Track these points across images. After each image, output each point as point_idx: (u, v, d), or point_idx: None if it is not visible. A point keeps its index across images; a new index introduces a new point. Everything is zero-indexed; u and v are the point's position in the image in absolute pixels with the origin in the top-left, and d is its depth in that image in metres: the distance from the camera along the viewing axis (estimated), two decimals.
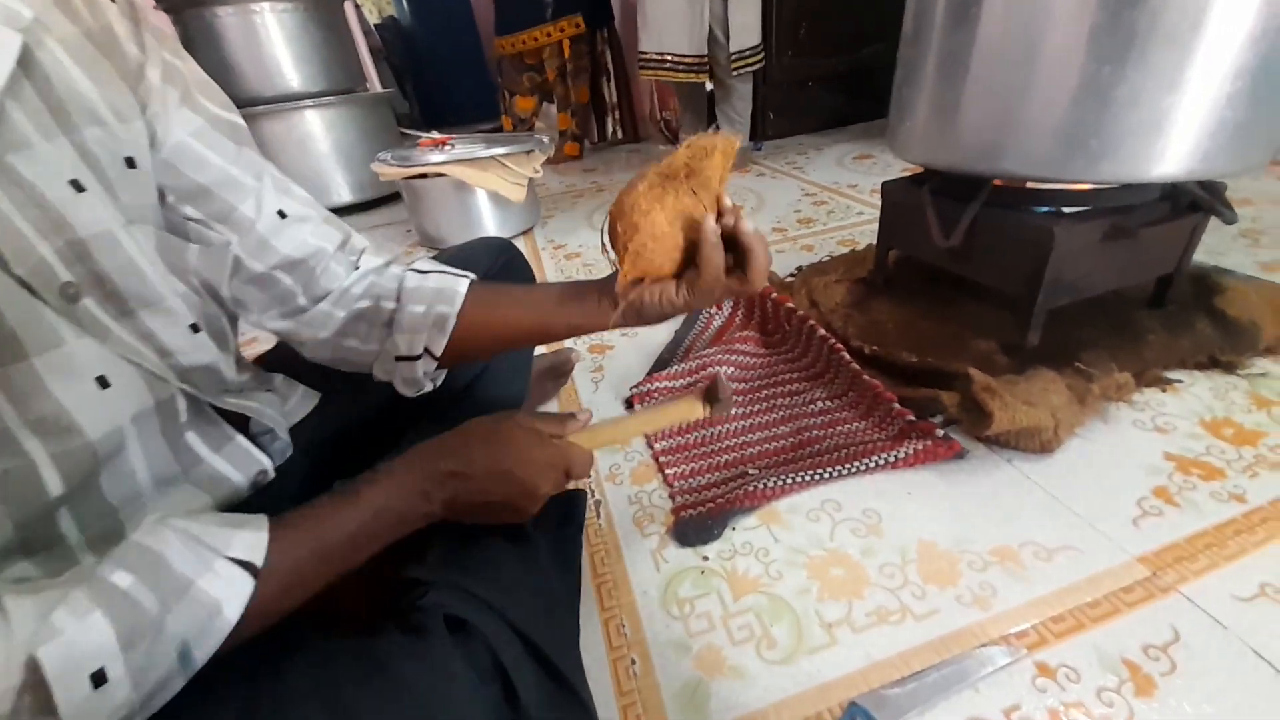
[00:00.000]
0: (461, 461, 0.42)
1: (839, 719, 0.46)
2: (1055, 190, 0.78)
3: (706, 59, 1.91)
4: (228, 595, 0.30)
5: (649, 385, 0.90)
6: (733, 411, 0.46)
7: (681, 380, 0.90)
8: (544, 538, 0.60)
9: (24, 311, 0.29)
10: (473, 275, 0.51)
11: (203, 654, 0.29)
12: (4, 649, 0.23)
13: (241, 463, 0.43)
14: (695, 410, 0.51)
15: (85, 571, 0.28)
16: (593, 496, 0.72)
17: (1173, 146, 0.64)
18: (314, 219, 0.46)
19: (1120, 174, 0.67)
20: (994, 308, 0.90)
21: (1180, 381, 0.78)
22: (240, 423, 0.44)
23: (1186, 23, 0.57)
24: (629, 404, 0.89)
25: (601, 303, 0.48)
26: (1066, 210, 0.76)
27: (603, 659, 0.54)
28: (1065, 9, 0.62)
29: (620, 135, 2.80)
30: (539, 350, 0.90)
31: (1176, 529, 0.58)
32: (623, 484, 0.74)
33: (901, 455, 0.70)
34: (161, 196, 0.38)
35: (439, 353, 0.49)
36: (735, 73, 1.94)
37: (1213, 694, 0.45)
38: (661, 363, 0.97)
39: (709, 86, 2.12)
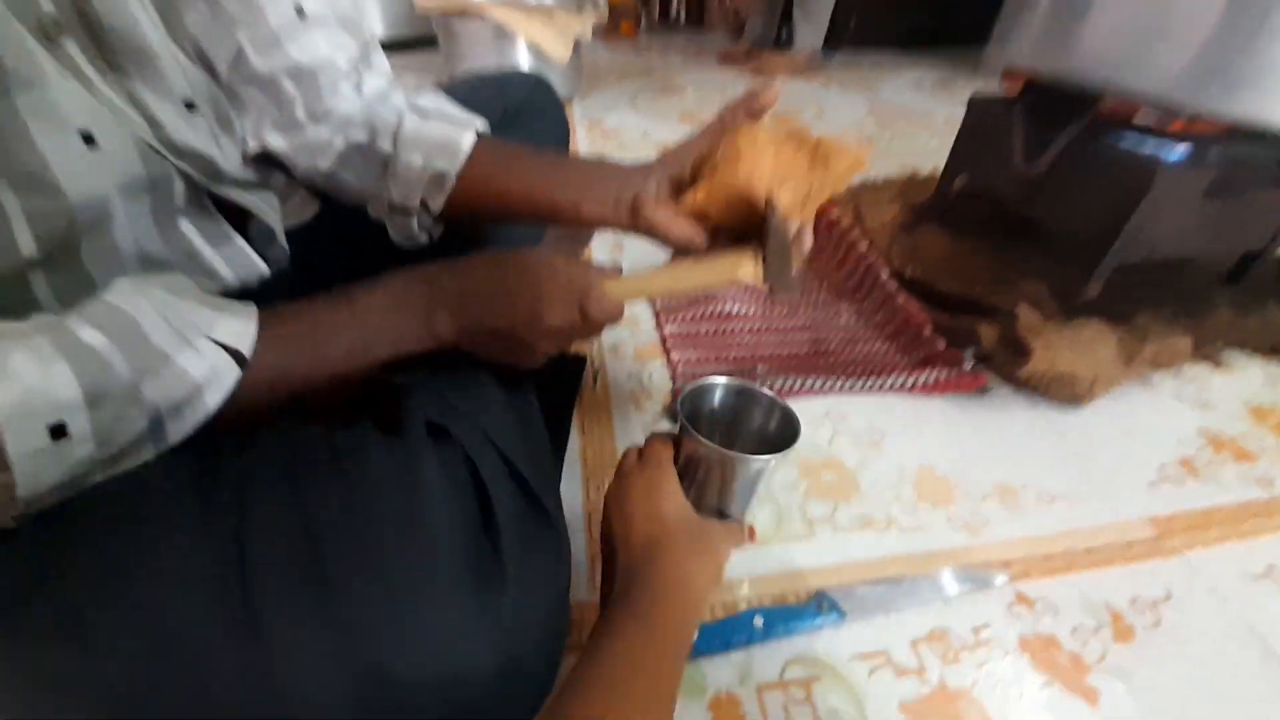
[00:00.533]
0: (469, 280, 0.38)
1: (804, 603, 0.46)
2: (1165, 128, 0.68)
3: None
4: (209, 379, 0.28)
5: None
6: (795, 294, 0.39)
7: None
8: (535, 391, 0.58)
9: (4, 36, 0.25)
10: (480, 123, 0.46)
11: (176, 432, 0.27)
12: None
13: (239, 265, 0.40)
14: (745, 269, 0.40)
15: (50, 321, 0.25)
16: (592, 365, 0.69)
17: None
18: (332, 23, 0.41)
19: (1258, 111, 0.57)
20: (1053, 257, 0.82)
21: (1235, 363, 0.73)
22: (238, 223, 0.40)
23: None
24: None
25: (620, 201, 0.43)
26: (1171, 154, 0.67)
27: (579, 513, 0.53)
28: None
29: (683, 19, 2.54)
30: None
31: (1194, 499, 0.55)
32: (625, 359, 0.71)
33: (921, 380, 0.66)
34: None
35: (436, 210, 0.46)
36: None
37: (1194, 657, 0.43)
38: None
39: None
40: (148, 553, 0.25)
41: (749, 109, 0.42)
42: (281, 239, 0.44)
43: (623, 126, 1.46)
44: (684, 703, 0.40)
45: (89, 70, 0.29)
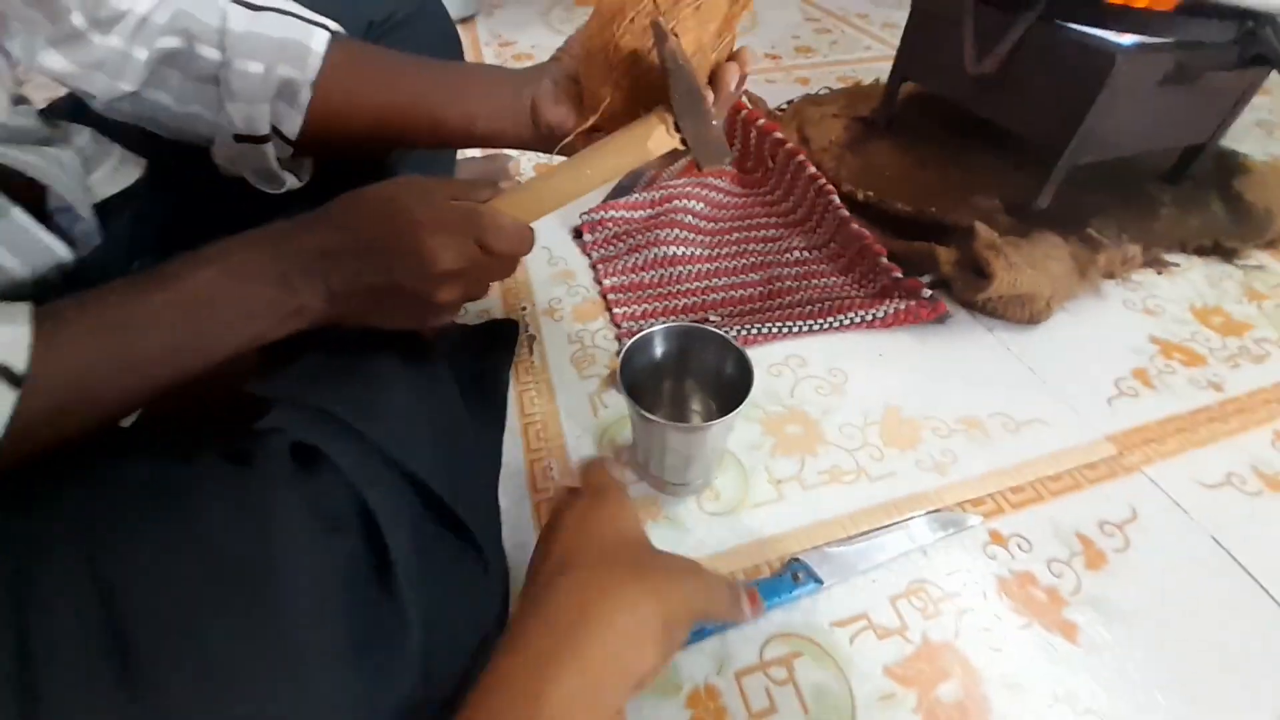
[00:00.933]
0: (329, 231, 0.29)
1: (778, 572, 0.42)
2: (1120, 9, 0.63)
3: None
4: None
5: (603, 213, 0.76)
6: (726, 164, 0.33)
7: (642, 210, 0.77)
8: (461, 368, 0.50)
9: None
10: (331, 24, 0.37)
11: None
12: None
13: (19, 246, 0.29)
14: (657, 136, 0.33)
15: None
16: (525, 330, 0.61)
17: None
18: None
19: None
20: (1008, 164, 0.78)
21: (1178, 265, 0.72)
22: (27, 195, 0.30)
23: None
24: (578, 233, 0.75)
25: (518, 109, 0.37)
26: (1127, 40, 0.62)
27: (524, 501, 0.47)
28: None
29: None
30: (466, 153, 0.72)
31: (1150, 411, 0.55)
32: (563, 320, 0.64)
33: (880, 315, 0.62)
34: None
35: (294, 134, 0.37)
36: None
37: (1164, 573, 0.43)
38: (621, 189, 0.82)
39: None
40: None
41: None
42: (84, 211, 0.34)
43: (538, 47, 1.30)
44: (659, 702, 0.37)
45: None
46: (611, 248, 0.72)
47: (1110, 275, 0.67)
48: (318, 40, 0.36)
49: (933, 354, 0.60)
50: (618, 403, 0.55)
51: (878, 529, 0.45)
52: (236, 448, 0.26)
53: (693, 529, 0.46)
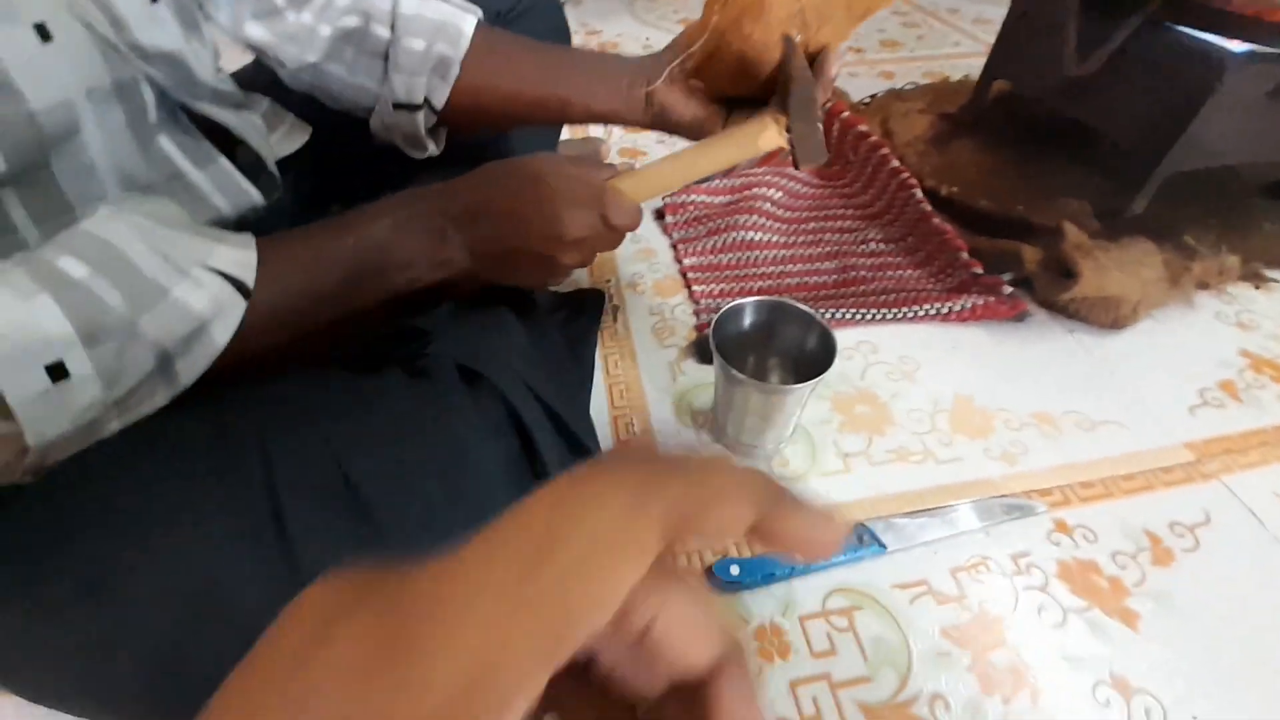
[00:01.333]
0: (479, 194, 0.34)
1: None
2: (1233, 16, 0.61)
3: None
4: (214, 312, 0.26)
5: (685, 197, 0.79)
6: (824, 160, 0.36)
7: (722, 196, 0.80)
8: (556, 327, 0.55)
9: None
10: (478, 11, 0.43)
11: (187, 370, 0.25)
12: None
13: (228, 189, 0.36)
14: (768, 134, 0.37)
15: (25, 255, 0.23)
16: (611, 300, 0.66)
17: None
18: None
19: None
20: (1097, 170, 0.77)
21: (1277, 281, 0.70)
22: (225, 148, 0.37)
23: None
24: (660, 215, 0.79)
25: (633, 92, 0.42)
26: (1238, 47, 0.60)
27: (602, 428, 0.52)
28: None
29: None
30: (564, 136, 0.77)
31: (1233, 423, 0.54)
32: (645, 294, 0.68)
33: (956, 308, 0.63)
34: None
35: (440, 105, 0.43)
36: None
37: (1232, 576, 0.44)
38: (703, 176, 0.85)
39: None
40: (174, 506, 0.23)
41: None
42: (271, 165, 0.41)
43: (623, 34, 1.33)
44: None
45: None
46: (692, 230, 0.76)
47: (1204, 286, 0.65)
48: (468, 24, 0.42)
49: (1008, 350, 0.61)
50: (695, 371, 0.59)
51: (942, 506, 0.47)
52: (415, 366, 0.31)
53: None
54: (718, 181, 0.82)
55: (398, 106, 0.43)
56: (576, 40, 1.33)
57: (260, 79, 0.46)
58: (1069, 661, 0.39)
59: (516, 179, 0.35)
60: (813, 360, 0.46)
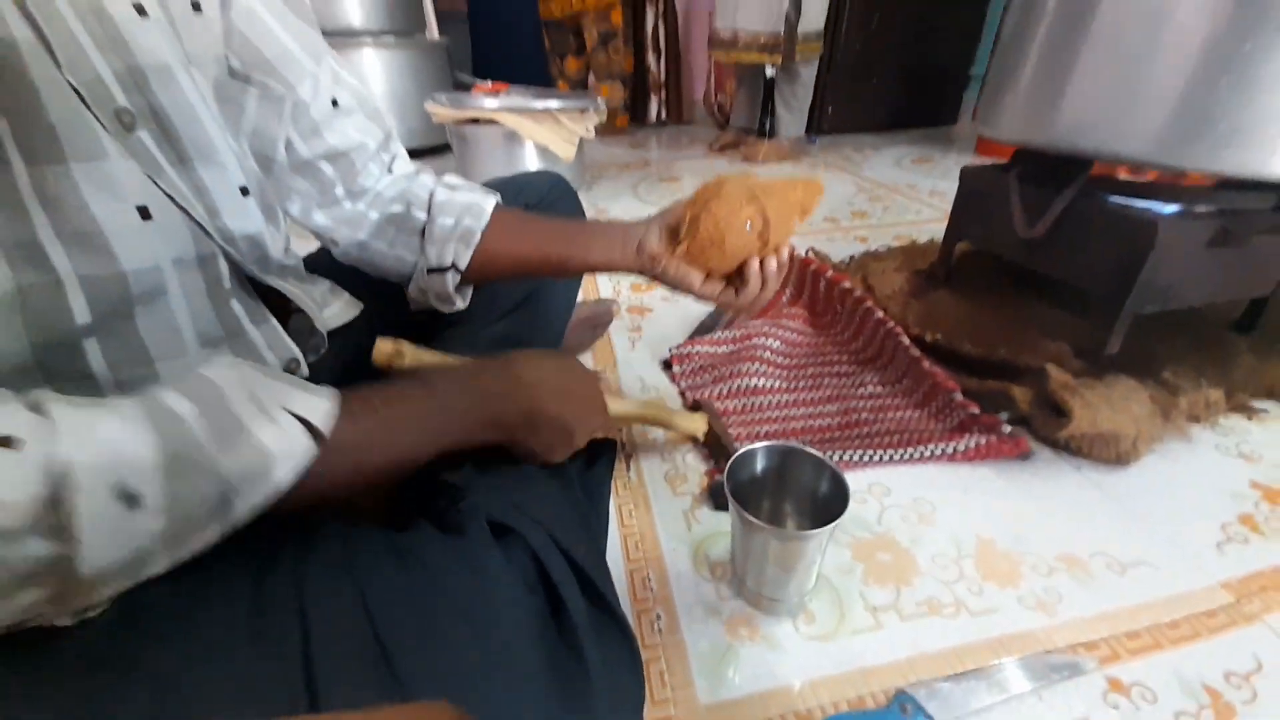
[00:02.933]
0: (535, 372, 0.39)
1: (883, 706, 0.42)
2: (1154, 185, 0.72)
3: (780, 39, 1.84)
4: (283, 453, 0.27)
5: (689, 348, 0.85)
6: (727, 456, 0.51)
7: (724, 346, 0.86)
8: (575, 477, 0.57)
9: (70, 114, 0.28)
10: (497, 196, 0.53)
11: (244, 508, 0.26)
12: (40, 452, 0.20)
13: (275, 345, 0.41)
14: (699, 430, 0.63)
15: (140, 392, 0.25)
16: (624, 450, 0.68)
17: None
18: (359, 112, 0.47)
19: (1246, 165, 0.60)
20: (1066, 310, 0.84)
21: (1265, 411, 0.72)
22: (280, 315, 0.43)
23: None
24: (667, 365, 0.85)
25: (625, 245, 0.49)
26: (1168, 208, 0.70)
27: (626, 610, 0.50)
28: None
29: (664, 116, 2.73)
30: (580, 298, 0.86)
31: (1263, 558, 0.53)
32: (655, 444, 0.70)
33: (961, 448, 0.65)
34: (228, 65, 0.38)
35: (464, 266, 0.50)
36: (801, 58, 1.87)
37: None
38: (704, 328, 0.93)
39: (770, 72, 2.05)
40: (208, 666, 0.23)
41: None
42: (320, 328, 0.46)
43: (627, 213, 1.53)
44: None
45: (161, 159, 0.31)
46: (698, 378, 0.80)
47: (1195, 419, 0.67)
48: (489, 204, 0.51)
49: (1019, 490, 0.61)
50: (710, 519, 0.59)
51: (987, 667, 0.44)
52: (447, 520, 0.32)
53: (791, 652, 0.46)
54: (720, 333, 0.89)
55: (430, 271, 0.51)
56: (590, 214, 1.53)
57: (323, 264, 0.54)
58: None
59: (561, 366, 0.41)
60: (827, 504, 0.47)
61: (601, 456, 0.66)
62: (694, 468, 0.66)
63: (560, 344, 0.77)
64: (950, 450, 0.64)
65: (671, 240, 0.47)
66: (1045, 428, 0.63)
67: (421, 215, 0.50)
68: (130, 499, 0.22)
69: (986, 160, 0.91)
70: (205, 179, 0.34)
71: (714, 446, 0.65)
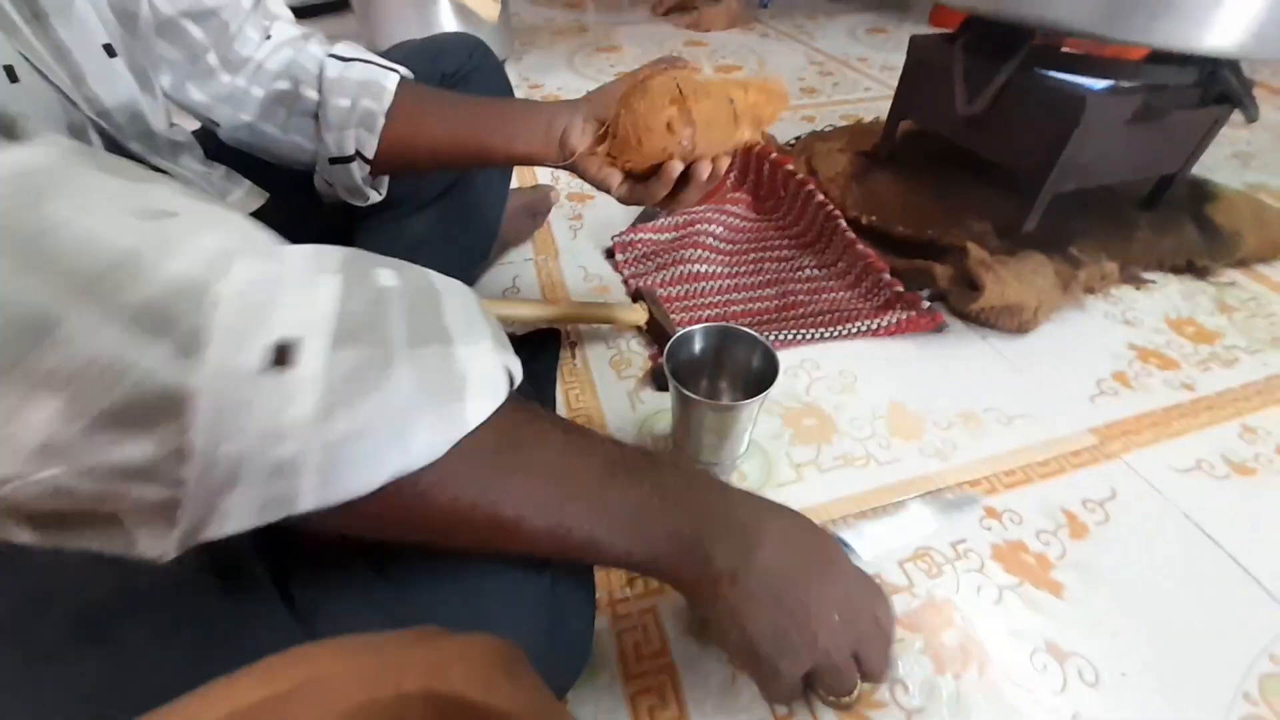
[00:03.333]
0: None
1: None
2: (1093, 59, 0.72)
3: None
4: (478, 390, 0.21)
5: (632, 235, 0.84)
6: (668, 340, 0.50)
7: (667, 233, 0.85)
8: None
9: None
10: (403, 70, 0.46)
11: (425, 449, 0.20)
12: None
13: None
14: (639, 319, 0.65)
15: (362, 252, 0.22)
16: (568, 338, 0.69)
17: (1232, 14, 0.58)
18: None
19: (1174, 38, 0.61)
20: (997, 192, 0.86)
21: (1154, 282, 0.80)
22: None
23: None
24: (609, 253, 0.84)
25: (549, 134, 0.44)
26: (1098, 84, 0.71)
27: None
28: None
29: None
30: (514, 184, 0.81)
31: (1128, 407, 0.62)
32: (598, 330, 0.71)
33: (884, 324, 0.69)
34: None
35: (370, 154, 0.46)
36: None
37: (1141, 543, 0.49)
38: (647, 215, 0.91)
39: None
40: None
41: (668, 64, 0.43)
42: None
43: (564, 88, 1.41)
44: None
45: (15, 16, 0.28)
46: (641, 266, 0.80)
47: (1091, 290, 0.74)
48: (391, 81, 0.45)
49: (933, 359, 0.67)
50: (652, 399, 0.62)
51: (889, 505, 0.51)
52: None
53: None
54: (662, 219, 0.87)
55: (333, 160, 0.46)
56: (519, 93, 1.39)
57: (221, 148, 0.48)
58: (1008, 634, 0.43)
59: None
60: (759, 378, 0.50)
61: (547, 346, 0.67)
62: (638, 352, 0.68)
63: (495, 236, 0.74)
64: (875, 326, 0.69)
65: (597, 134, 0.43)
66: (960, 301, 0.68)
67: (312, 95, 0.44)
68: (280, 355, 0.17)
69: (939, 31, 0.87)
70: (64, 37, 0.30)
71: (656, 332, 0.66)
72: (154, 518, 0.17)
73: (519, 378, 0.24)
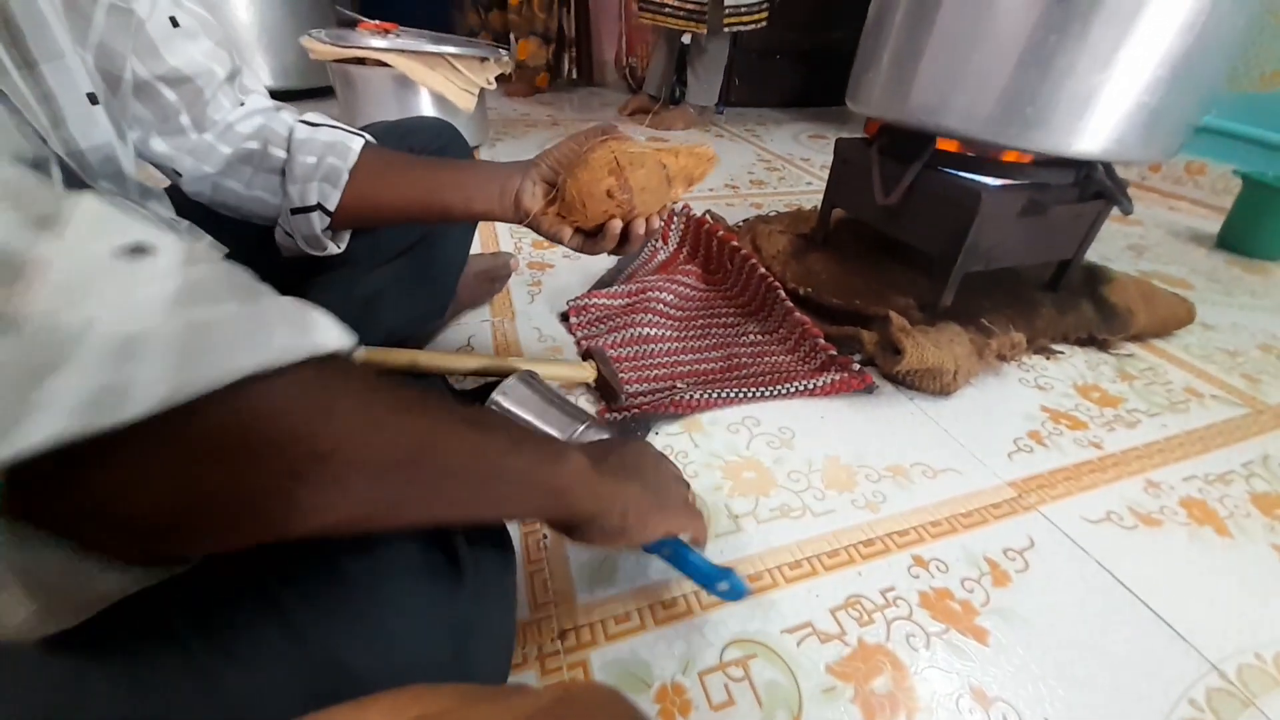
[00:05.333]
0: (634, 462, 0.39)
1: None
2: (986, 161, 0.83)
3: (705, 8, 1.85)
4: (325, 324, 0.21)
5: (587, 300, 0.88)
6: (622, 399, 0.57)
7: (620, 299, 0.90)
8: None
9: None
10: (367, 136, 0.51)
11: (280, 344, 0.19)
12: None
13: None
14: (588, 376, 0.69)
15: None
16: None
17: (1094, 125, 0.70)
18: (206, 41, 0.44)
19: (1048, 144, 0.72)
20: (917, 271, 0.96)
21: (1062, 352, 0.88)
22: None
23: (1129, 2, 0.62)
24: (564, 317, 0.87)
25: (504, 195, 0.48)
26: (993, 182, 0.82)
27: (514, 530, 0.53)
28: None
29: (575, 76, 2.68)
30: (476, 249, 0.86)
31: (1042, 463, 0.66)
32: (552, 387, 0.73)
33: (820, 384, 0.73)
34: None
35: (332, 207, 0.49)
36: (728, 28, 1.91)
37: (1060, 590, 0.51)
38: (603, 283, 0.96)
39: (686, 39, 2.08)
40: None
41: (605, 131, 0.48)
42: None
43: None
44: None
45: (7, 61, 0.30)
46: (594, 329, 0.84)
47: (1003, 358, 0.81)
48: (356, 143, 0.49)
49: (865, 417, 0.71)
50: None
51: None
52: None
53: None
54: (617, 287, 0.92)
55: (294, 211, 0.49)
56: None
57: (184, 205, 0.50)
58: (935, 682, 0.44)
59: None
60: None
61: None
62: (586, 408, 0.70)
63: (453, 295, 0.77)
64: (811, 386, 0.73)
65: (546, 196, 0.48)
66: (885, 364, 0.73)
67: (280, 153, 0.48)
68: (139, 249, 0.17)
69: (860, 136, 1.00)
70: (52, 85, 0.32)
71: (604, 389, 0.69)
72: None
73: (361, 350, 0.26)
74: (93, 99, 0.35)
